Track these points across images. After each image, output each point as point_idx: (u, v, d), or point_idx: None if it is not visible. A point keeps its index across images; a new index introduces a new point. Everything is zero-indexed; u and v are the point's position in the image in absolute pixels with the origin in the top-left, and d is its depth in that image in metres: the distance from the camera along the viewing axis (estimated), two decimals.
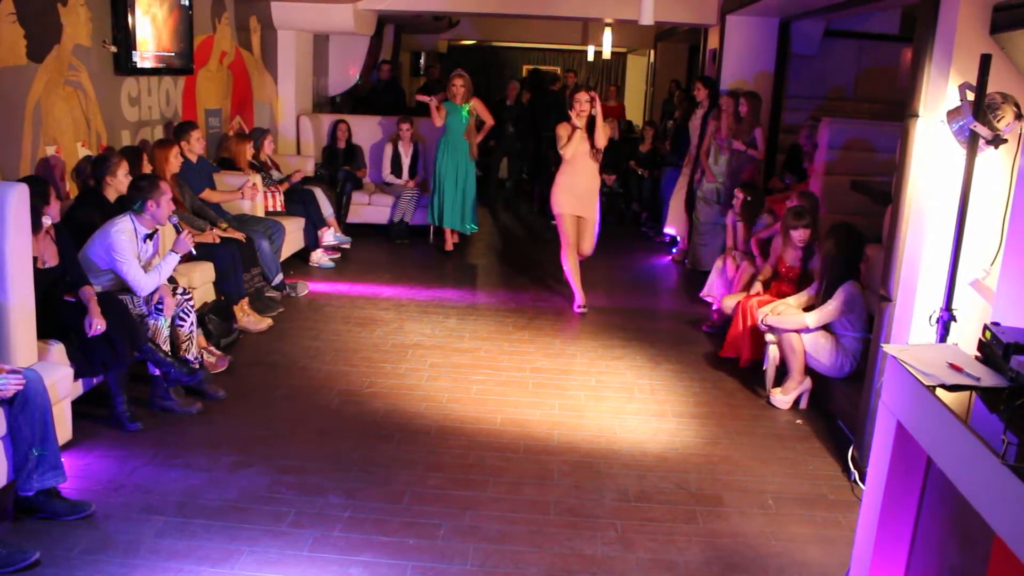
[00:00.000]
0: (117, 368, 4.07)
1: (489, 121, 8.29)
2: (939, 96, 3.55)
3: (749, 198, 6.21)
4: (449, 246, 8.20)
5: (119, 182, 4.78)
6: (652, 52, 14.70)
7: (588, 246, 6.52)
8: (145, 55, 5.88)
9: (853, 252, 4.64)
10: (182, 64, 6.49)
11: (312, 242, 7.45)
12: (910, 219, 3.77)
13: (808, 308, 4.79)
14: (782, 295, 5.13)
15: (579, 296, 6.50)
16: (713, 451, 4.23)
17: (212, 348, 5.06)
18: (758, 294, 5.32)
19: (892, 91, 7.81)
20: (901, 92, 4.86)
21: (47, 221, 3.87)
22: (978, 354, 2.54)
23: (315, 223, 7.44)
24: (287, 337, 5.63)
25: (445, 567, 3.16)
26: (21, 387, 3.16)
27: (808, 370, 4.76)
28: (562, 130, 6.22)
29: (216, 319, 5.23)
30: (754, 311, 5.06)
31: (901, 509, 2.64)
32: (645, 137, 10.35)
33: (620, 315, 6.47)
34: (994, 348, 2.45)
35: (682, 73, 13.23)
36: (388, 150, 8.78)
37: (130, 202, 4.44)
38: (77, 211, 4.69)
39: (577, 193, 6.28)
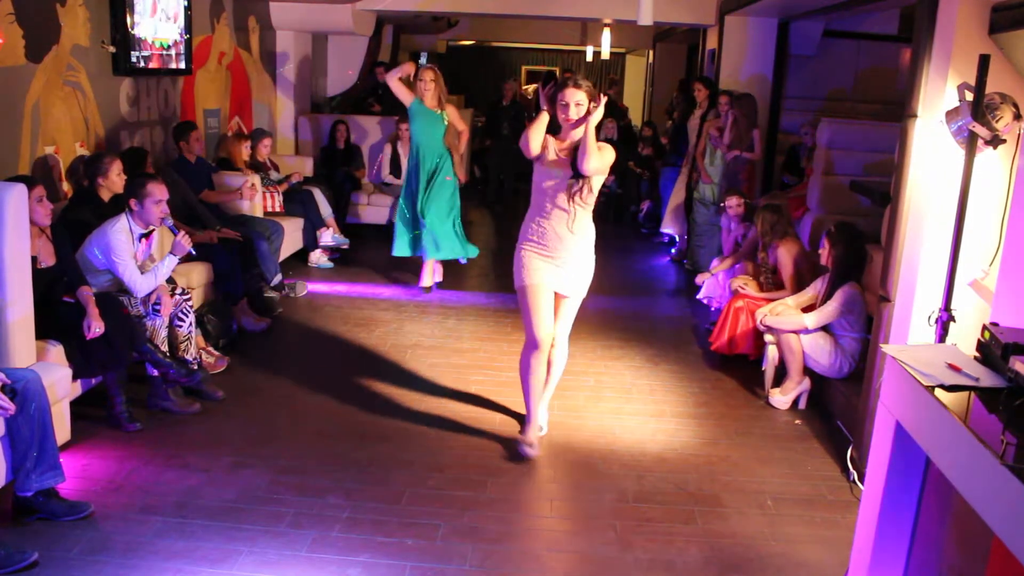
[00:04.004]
0: (116, 369, 4.07)
1: (460, 128, 6.59)
2: (938, 96, 3.55)
3: (744, 208, 6.13)
4: (427, 281, 6.74)
5: (111, 182, 4.78)
6: (651, 52, 14.72)
7: (563, 337, 4.13)
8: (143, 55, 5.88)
9: (854, 253, 4.63)
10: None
11: (311, 242, 7.45)
12: (909, 219, 3.76)
13: (807, 309, 4.80)
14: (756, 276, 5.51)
15: (533, 420, 4.11)
16: (712, 451, 4.23)
17: (211, 348, 5.06)
18: (744, 287, 5.41)
19: (891, 91, 7.82)
20: (900, 92, 4.87)
21: None
22: (977, 354, 2.53)
23: (314, 224, 7.44)
24: (286, 337, 5.63)
25: (444, 567, 3.16)
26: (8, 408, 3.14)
27: (807, 370, 4.76)
28: (534, 130, 3.79)
29: (215, 319, 5.22)
30: (752, 312, 5.08)
31: (900, 510, 2.64)
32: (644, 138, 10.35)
33: (619, 315, 6.46)
34: (993, 348, 2.44)
35: (681, 74, 13.24)
36: (387, 151, 8.77)
37: (124, 197, 4.45)
38: (71, 211, 4.69)
39: (554, 250, 3.87)
